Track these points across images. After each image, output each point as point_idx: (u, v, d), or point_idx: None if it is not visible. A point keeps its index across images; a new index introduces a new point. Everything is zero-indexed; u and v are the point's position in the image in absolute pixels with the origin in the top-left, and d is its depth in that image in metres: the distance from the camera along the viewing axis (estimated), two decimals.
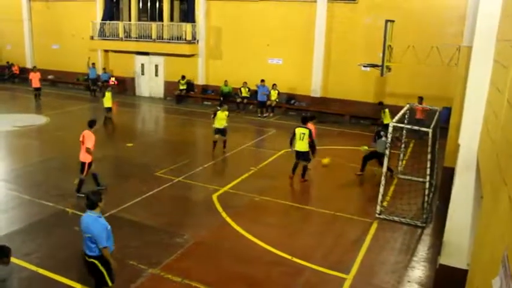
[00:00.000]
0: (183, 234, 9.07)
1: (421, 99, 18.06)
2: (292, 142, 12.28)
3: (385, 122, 17.41)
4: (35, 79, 23.93)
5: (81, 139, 10.89)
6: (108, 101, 18.64)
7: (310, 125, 12.51)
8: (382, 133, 12.44)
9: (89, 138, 10.79)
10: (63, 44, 29.68)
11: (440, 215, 9.74)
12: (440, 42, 15.90)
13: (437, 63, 15.11)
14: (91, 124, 11.09)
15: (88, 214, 6.02)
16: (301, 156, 12.28)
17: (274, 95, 21.53)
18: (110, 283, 6.17)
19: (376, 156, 12.52)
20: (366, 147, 12.80)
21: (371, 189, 11.83)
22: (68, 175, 12.06)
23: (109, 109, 18.92)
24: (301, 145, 12.14)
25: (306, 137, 12.05)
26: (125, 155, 14.87)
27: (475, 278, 4.25)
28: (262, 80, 21.44)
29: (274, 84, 21.39)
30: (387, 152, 10.04)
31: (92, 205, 6.00)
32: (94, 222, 5.92)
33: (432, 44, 15.38)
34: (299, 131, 12.14)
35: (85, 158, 10.88)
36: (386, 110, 17.78)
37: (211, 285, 7.27)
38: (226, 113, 14.64)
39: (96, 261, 6.05)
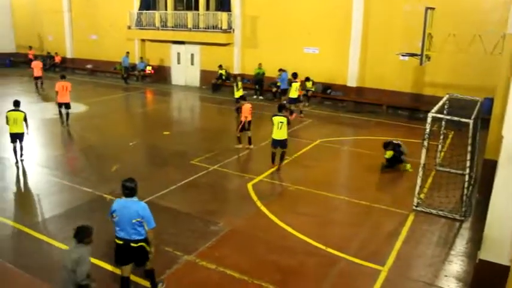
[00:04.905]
0: (218, 222, 9.15)
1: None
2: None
3: (291, 95, 18.47)
4: (36, 68, 23.74)
5: (62, 89, 16.46)
6: (236, 92, 18.49)
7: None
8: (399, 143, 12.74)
9: (69, 85, 16.79)
10: (101, 34, 30.28)
11: (480, 208, 9.51)
12: (483, 29, 15.38)
13: (479, 51, 14.62)
14: (63, 77, 17.17)
15: (132, 200, 6.20)
16: (279, 143, 12.31)
17: (309, 85, 21.34)
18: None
19: (395, 159, 12.55)
20: (392, 153, 12.53)
21: (408, 181, 11.61)
22: (107, 162, 12.37)
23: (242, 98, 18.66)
24: (280, 133, 12.19)
25: (285, 125, 12.12)
26: (162, 143, 15.09)
27: None
28: (280, 69, 21.43)
29: (307, 78, 21.12)
30: (425, 143, 9.80)
31: (133, 192, 6.21)
32: (140, 206, 6.17)
33: (474, 31, 14.90)
34: (277, 119, 12.14)
35: (69, 98, 16.72)
36: (296, 84, 18.38)
37: (245, 274, 7.32)
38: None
39: (144, 244, 6.27)
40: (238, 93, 18.39)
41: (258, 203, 10.11)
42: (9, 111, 12.30)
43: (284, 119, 12.16)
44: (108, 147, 14.47)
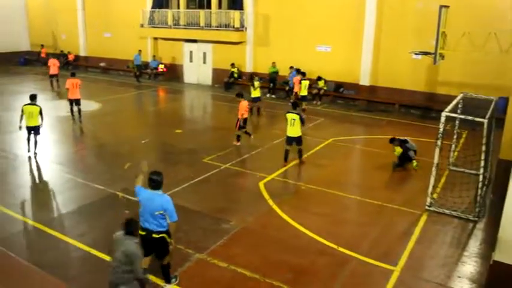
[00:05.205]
0: (229, 220, 9.16)
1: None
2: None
3: (301, 93, 18.97)
4: (53, 66, 24.27)
5: (73, 86, 16.99)
6: (254, 91, 18.23)
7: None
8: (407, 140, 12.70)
9: (79, 81, 17.29)
10: (114, 32, 30.45)
11: (494, 209, 9.40)
12: (498, 27, 15.17)
13: (494, 50, 14.44)
14: (73, 74, 17.80)
15: (156, 193, 6.40)
16: (293, 140, 12.53)
17: (321, 84, 21.40)
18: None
19: (406, 157, 12.46)
20: (401, 150, 12.47)
21: (420, 181, 11.50)
22: (119, 160, 12.43)
23: (256, 99, 18.34)
24: (293, 130, 12.43)
25: (297, 122, 12.32)
26: (174, 141, 15.14)
27: None
28: (291, 67, 21.53)
29: (319, 77, 21.40)
30: (439, 142, 9.71)
31: (159, 185, 6.43)
32: (164, 199, 6.37)
33: (490, 29, 14.69)
34: (290, 116, 12.39)
35: (80, 94, 17.20)
36: (306, 82, 18.95)
37: (256, 272, 7.32)
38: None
39: (165, 235, 6.46)
40: (255, 93, 18.30)
41: (270, 202, 10.11)
42: (26, 105, 12.67)
43: (296, 116, 12.28)
44: (121, 145, 14.55)
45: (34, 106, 12.68)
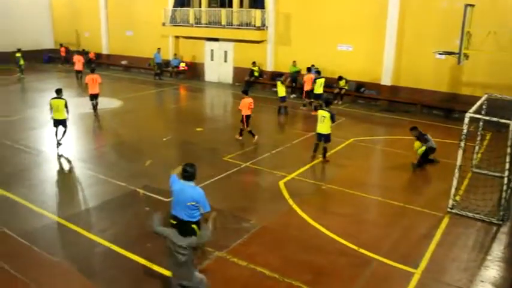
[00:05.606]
0: (249, 219, 9.17)
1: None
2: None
3: (317, 91, 19.07)
4: (78, 62, 25.86)
5: (92, 81, 17.58)
6: (281, 90, 18.63)
7: None
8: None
9: (99, 77, 17.82)
10: (136, 31, 30.73)
11: None
12: None
13: None
14: (93, 70, 18.29)
15: (188, 184, 6.57)
16: (322, 137, 12.66)
17: (342, 84, 21.31)
18: None
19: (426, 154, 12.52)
20: (420, 144, 12.39)
21: (442, 182, 11.32)
22: (140, 157, 12.56)
23: (283, 98, 18.78)
24: (322, 127, 12.58)
25: (327, 119, 12.41)
26: (194, 139, 15.21)
27: None
28: (312, 66, 21.39)
29: (340, 76, 21.41)
30: (462, 143, 9.55)
31: (191, 177, 6.60)
32: (196, 191, 6.54)
33: None
34: (320, 113, 12.59)
35: (98, 89, 17.83)
36: (321, 80, 19.15)
37: (276, 272, 7.30)
38: None
39: (195, 226, 6.63)
40: (281, 92, 18.62)
41: (290, 201, 10.08)
42: (52, 98, 13.24)
43: (327, 114, 12.39)
44: (142, 142, 14.69)
45: (60, 100, 13.22)
